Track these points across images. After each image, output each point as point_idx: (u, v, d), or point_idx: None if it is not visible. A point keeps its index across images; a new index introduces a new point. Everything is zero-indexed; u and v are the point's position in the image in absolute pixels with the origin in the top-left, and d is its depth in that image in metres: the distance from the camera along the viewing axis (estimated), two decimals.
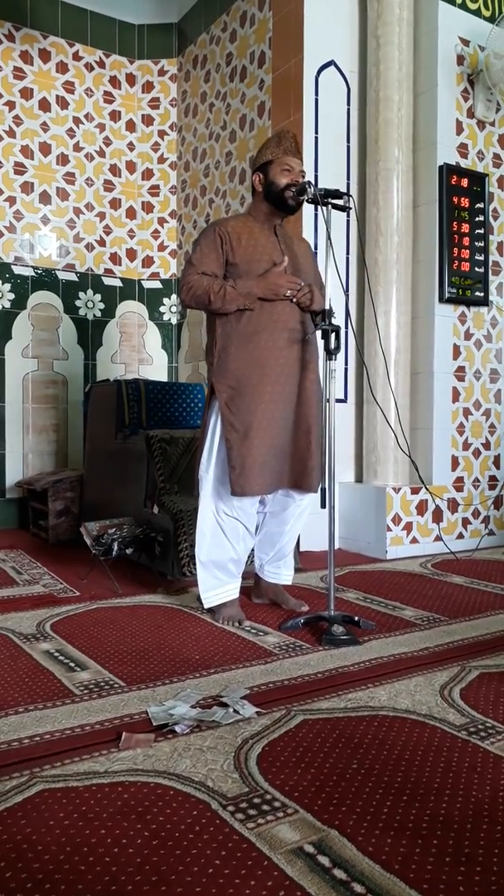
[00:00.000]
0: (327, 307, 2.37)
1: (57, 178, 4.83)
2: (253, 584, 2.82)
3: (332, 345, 2.32)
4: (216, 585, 2.54)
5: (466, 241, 3.93)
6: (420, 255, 3.93)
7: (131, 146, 5.15)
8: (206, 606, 2.56)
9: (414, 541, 3.80)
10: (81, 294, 4.94)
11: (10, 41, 4.67)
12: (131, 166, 5.15)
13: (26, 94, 4.73)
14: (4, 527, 4.58)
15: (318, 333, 2.40)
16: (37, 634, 2.35)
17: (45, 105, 4.79)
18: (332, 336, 2.32)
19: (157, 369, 5.22)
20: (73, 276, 4.89)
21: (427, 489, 3.72)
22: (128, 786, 1.38)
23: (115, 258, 5.08)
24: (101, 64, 5.01)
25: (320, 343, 2.42)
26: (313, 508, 2.66)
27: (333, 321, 2.36)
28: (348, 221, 3.93)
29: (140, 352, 5.21)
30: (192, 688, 1.90)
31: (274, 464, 2.42)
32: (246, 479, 2.38)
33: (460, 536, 4.00)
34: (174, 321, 5.23)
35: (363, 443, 3.97)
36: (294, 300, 2.41)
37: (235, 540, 2.50)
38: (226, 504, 2.47)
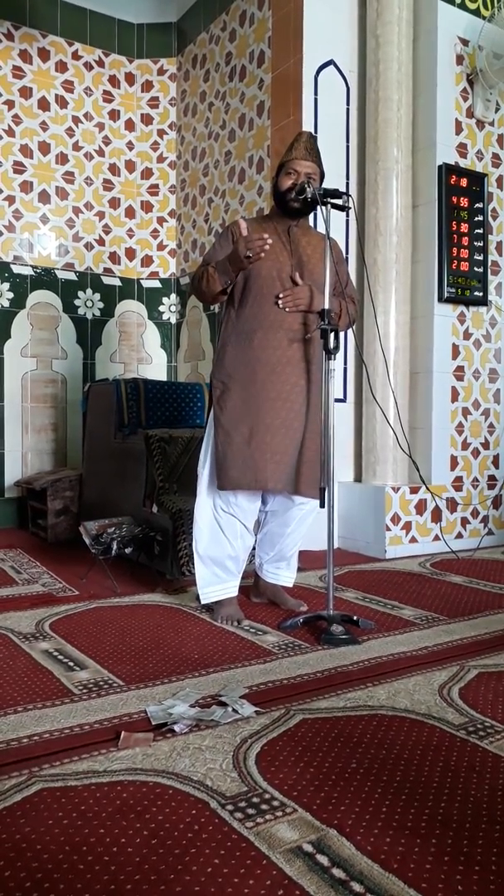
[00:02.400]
0: (327, 307, 2.36)
1: (56, 178, 4.83)
2: (252, 584, 2.82)
3: (332, 344, 2.32)
4: (214, 582, 2.54)
5: (465, 240, 3.93)
6: (419, 254, 3.93)
7: (130, 145, 5.14)
8: (203, 602, 2.56)
9: (413, 540, 3.80)
10: (80, 293, 4.93)
11: (9, 40, 4.66)
12: (130, 165, 5.15)
13: (25, 93, 4.72)
14: (3, 526, 4.58)
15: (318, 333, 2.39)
16: (36, 634, 2.35)
17: (44, 104, 4.79)
18: (332, 336, 2.32)
19: (156, 369, 5.22)
20: (72, 276, 4.89)
21: (426, 488, 3.72)
22: (127, 785, 1.38)
23: (114, 257, 5.08)
24: (101, 63, 5.01)
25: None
26: (316, 511, 2.65)
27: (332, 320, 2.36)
28: (347, 221, 3.93)
29: (139, 351, 5.21)
30: (191, 687, 1.90)
31: (262, 461, 2.40)
32: (226, 473, 2.40)
33: (459, 536, 4.00)
34: (173, 320, 5.23)
35: (362, 442, 3.97)
36: (281, 305, 2.40)
37: (233, 537, 2.50)
38: (223, 500, 2.48)
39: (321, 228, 3.72)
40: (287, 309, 2.42)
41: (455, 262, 3.88)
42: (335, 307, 2.42)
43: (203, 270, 2.43)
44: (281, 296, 2.41)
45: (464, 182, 3.91)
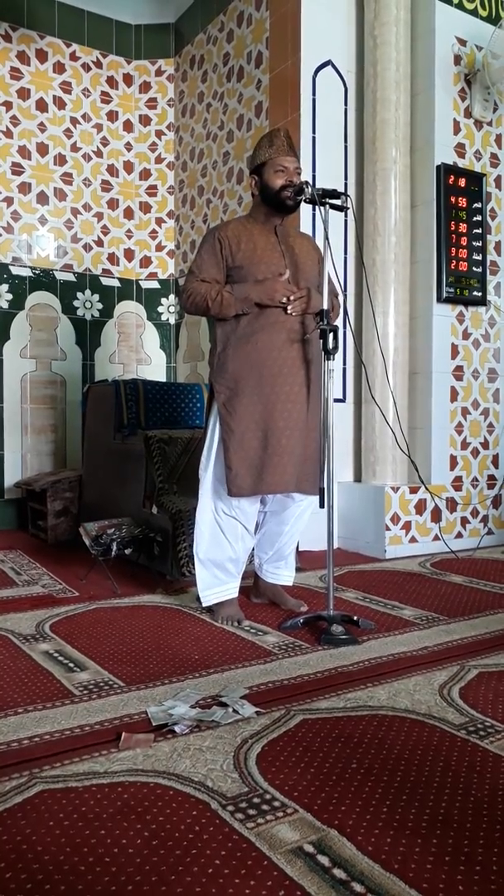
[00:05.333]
0: (325, 307, 2.36)
1: (54, 179, 4.83)
2: (252, 584, 2.82)
3: (331, 345, 2.32)
4: (215, 584, 2.54)
5: (464, 240, 3.93)
6: (418, 255, 3.93)
7: (129, 146, 5.14)
8: (204, 604, 2.57)
9: (413, 540, 3.80)
10: (79, 294, 4.93)
11: (6, 41, 4.66)
12: (129, 166, 5.15)
13: (23, 94, 4.72)
14: (3, 527, 4.58)
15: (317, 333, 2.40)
16: (36, 635, 2.35)
17: (42, 105, 4.79)
18: (331, 336, 2.32)
19: (155, 369, 5.22)
20: (70, 277, 4.89)
21: (426, 488, 3.72)
22: (127, 786, 1.38)
23: (112, 258, 5.08)
24: (99, 64, 5.01)
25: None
26: (313, 508, 2.66)
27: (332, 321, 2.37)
28: (346, 222, 3.93)
29: (138, 352, 5.21)
30: (192, 688, 1.90)
31: (272, 465, 2.42)
32: (243, 480, 2.39)
33: (459, 535, 4.00)
34: (172, 321, 5.23)
35: (362, 442, 3.97)
36: (289, 311, 2.40)
37: (234, 539, 2.51)
38: (224, 503, 2.48)
39: (319, 228, 3.74)
40: (294, 314, 2.41)
41: (454, 262, 3.88)
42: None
43: (217, 294, 2.39)
44: (291, 304, 2.40)
45: (462, 182, 3.92)
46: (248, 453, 2.40)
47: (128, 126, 5.14)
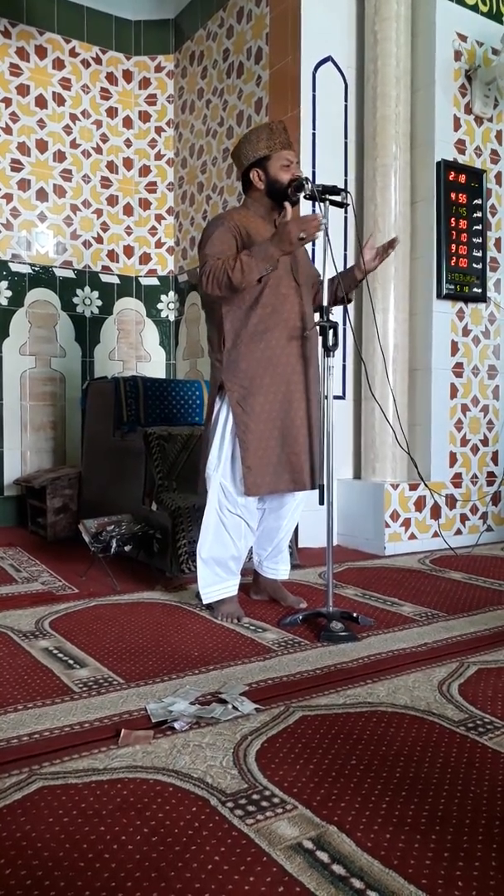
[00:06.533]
0: (326, 304, 2.37)
1: (54, 175, 4.82)
2: (252, 581, 2.82)
3: (331, 341, 2.32)
4: (216, 582, 2.54)
5: (464, 237, 3.92)
6: (418, 251, 3.93)
7: (128, 143, 5.13)
8: (204, 602, 2.57)
9: (412, 537, 3.80)
10: (79, 291, 4.93)
11: (6, 38, 4.65)
12: (128, 163, 5.14)
13: (23, 90, 4.71)
14: (3, 524, 4.58)
15: (317, 329, 2.40)
16: (36, 632, 2.35)
17: (41, 102, 4.78)
18: (330, 332, 2.32)
19: (154, 366, 5.22)
20: (70, 274, 4.89)
21: (425, 485, 3.71)
22: (127, 782, 1.38)
23: (112, 255, 5.07)
24: (98, 60, 5.00)
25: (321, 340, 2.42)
26: (312, 505, 2.66)
27: (331, 317, 2.37)
28: (346, 218, 3.92)
29: (138, 349, 5.21)
30: (191, 684, 1.90)
31: (291, 463, 2.45)
32: (262, 479, 2.40)
33: (458, 532, 4.00)
34: (172, 318, 5.22)
35: (361, 439, 3.97)
36: (306, 237, 2.22)
37: (238, 537, 2.51)
38: (230, 501, 2.47)
39: None
40: (308, 236, 2.22)
41: (454, 258, 3.88)
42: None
43: (234, 260, 2.26)
44: (309, 232, 2.19)
45: (462, 178, 3.91)
46: (268, 452, 2.41)
47: (127, 122, 5.13)
